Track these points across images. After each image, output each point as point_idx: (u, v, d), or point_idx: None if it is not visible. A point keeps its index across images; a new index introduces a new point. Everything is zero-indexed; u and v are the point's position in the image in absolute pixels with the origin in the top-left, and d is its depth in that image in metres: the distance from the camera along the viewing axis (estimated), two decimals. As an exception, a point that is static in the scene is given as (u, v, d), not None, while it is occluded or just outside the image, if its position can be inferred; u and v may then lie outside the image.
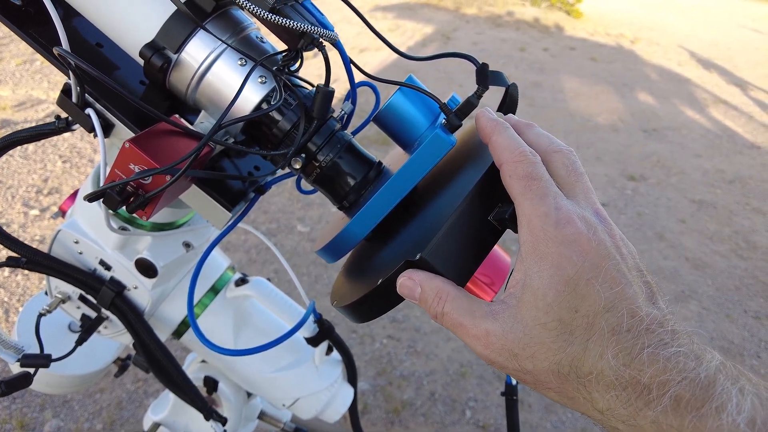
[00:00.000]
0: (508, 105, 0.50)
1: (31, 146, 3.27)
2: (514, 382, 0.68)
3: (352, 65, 0.53)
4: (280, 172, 0.64)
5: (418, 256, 0.36)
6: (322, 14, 0.50)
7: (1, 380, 0.67)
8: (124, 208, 0.46)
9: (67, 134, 3.47)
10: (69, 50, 0.46)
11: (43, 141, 3.36)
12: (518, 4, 9.43)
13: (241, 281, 0.73)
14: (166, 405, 0.84)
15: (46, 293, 0.84)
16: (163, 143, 0.47)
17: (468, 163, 0.47)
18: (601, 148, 4.35)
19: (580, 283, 0.32)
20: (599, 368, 0.31)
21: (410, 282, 0.38)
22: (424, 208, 0.48)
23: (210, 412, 0.67)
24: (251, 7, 0.43)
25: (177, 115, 0.51)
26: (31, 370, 0.70)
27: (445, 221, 0.37)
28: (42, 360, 0.67)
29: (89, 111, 0.52)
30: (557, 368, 0.32)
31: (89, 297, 0.70)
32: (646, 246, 3.13)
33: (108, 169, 0.52)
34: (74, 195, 0.72)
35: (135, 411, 1.84)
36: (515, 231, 0.37)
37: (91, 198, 0.44)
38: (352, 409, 0.88)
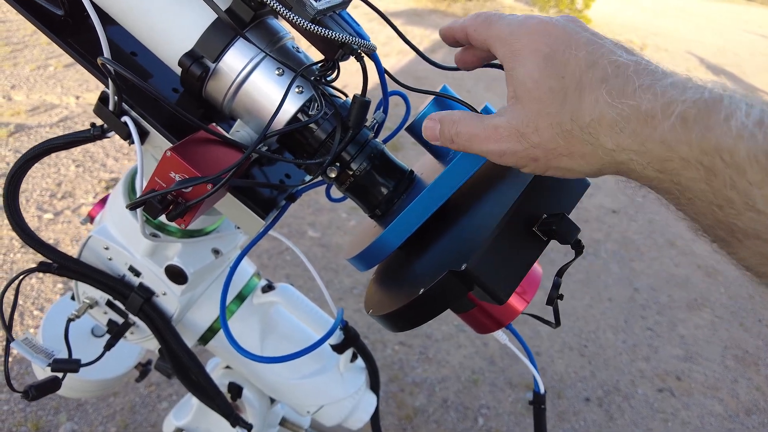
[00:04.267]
0: None
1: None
2: (542, 390, 0.68)
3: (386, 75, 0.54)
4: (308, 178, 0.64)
5: (463, 267, 0.36)
6: (358, 24, 0.51)
7: (31, 385, 0.68)
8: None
9: (79, 139, 3.51)
10: (111, 60, 0.47)
11: (56, 145, 3.39)
12: (526, 9, 9.45)
13: (268, 288, 0.73)
14: (188, 410, 0.85)
15: (72, 298, 0.84)
16: (203, 152, 0.47)
17: (504, 174, 0.47)
18: (610, 155, 4.34)
19: (556, 54, 0.35)
20: (598, 112, 0.33)
21: (431, 122, 0.42)
22: (459, 217, 0.48)
23: (236, 419, 0.67)
24: (293, 17, 0.43)
25: (214, 124, 0.51)
26: (60, 375, 0.70)
27: (490, 232, 0.37)
28: (72, 365, 0.68)
29: (126, 119, 0.53)
30: (560, 128, 0.35)
31: (117, 303, 0.70)
32: (657, 253, 3.11)
33: (143, 176, 0.52)
34: (103, 201, 0.73)
35: (148, 415, 1.85)
36: (561, 242, 0.37)
37: (133, 206, 0.45)
38: (374, 417, 0.87)
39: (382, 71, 0.52)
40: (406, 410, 1.95)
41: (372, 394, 0.79)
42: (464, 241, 0.41)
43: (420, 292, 0.40)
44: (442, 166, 0.51)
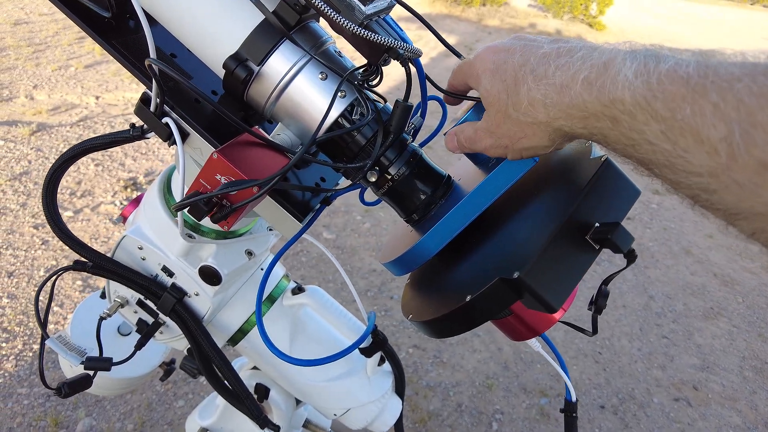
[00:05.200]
0: None
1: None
2: (573, 398, 0.67)
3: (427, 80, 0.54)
4: (344, 182, 0.65)
5: (515, 275, 0.36)
6: (401, 29, 0.51)
7: (64, 382, 0.69)
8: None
9: (98, 138, 3.55)
10: (159, 60, 0.48)
11: (75, 144, 3.44)
12: (540, 16, 9.42)
13: (298, 290, 0.74)
14: (214, 410, 0.85)
15: (102, 296, 0.85)
16: (247, 154, 0.48)
17: (551, 182, 0.47)
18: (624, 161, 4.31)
19: (499, 66, 0.45)
20: (530, 97, 0.42)
21: (450, 136, 0.52)
22: (501, 224, 0.48)
23: (265, 421, 0.68)
24: (342, 21, 0.43)
25: (257, 127, 0.52)
26: (91, 372, 0.71)
27: (541, 240, 0.37)
28: (104, 363, 0.68)
29: (167, 120, 0.54)
30: (510, 118, 0.44)
31: (148, 302, 0.71)
32: (672, 261, 3.08)
33: (184, 178, 0.53)
34: (136, 201, 0.74)
35: (164, 413, 1.86)
36: (615, 251, 0.37)
37: (179, 208, 0.45)
38: (398, 422, 0.88)
39: (423, 76, 0.52)
40: (421, 414, 1.95)
41: (397, 399, 0.79)
42: (511, 248, 0.41)
43: (467, 299, 0.40)
44: (482, 172, 0.51)
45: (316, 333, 0.75)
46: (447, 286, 0.48)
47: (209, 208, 0.45)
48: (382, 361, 0.77)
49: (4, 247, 2.53)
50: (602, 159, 0.44)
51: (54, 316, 2.19)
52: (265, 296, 0.73)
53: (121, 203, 2.92)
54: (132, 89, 4.30)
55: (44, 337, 0.68)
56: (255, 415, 0.68)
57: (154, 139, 3.62)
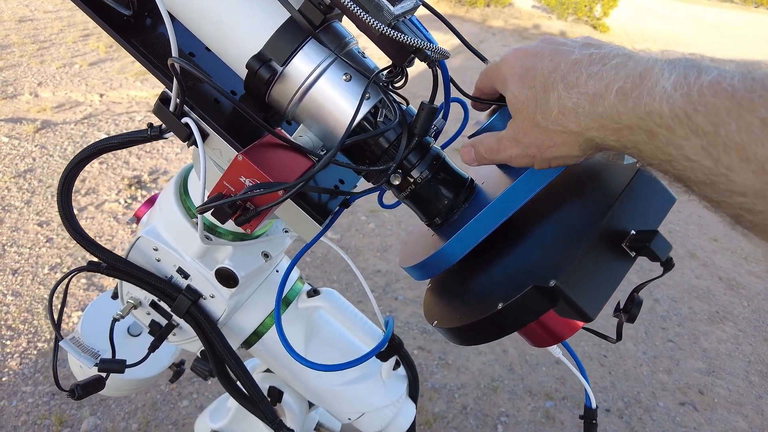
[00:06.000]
0: None
1: (70, 147, 3.34)
2: (593, 405, 0.67)
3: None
4: (362, 183, 0.64)
5: (552, 283, 0.36)
6: (426, 30, 0.50)
7: (77, 384, 0.68)
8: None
9: (103, 136, 3.54)
10: (182, 59, 0.47)
11: (81, 142, 3.43)
12: (544, 17, 9.41)
13: (313, 292, 0.73)
14: (225, 413, 0.84)
15: (113, 296, 0.84)
16: (271, 156, 0.47)
17: (581, 188, 0.46)
18: (630, 163, 4.29)
19: (527, 71, 0.43)
20: (561, 105, 0.40)
21: (466, 148, 0.50)
22: (529, 230, 0.47)
23: (280, 425, 0.67)
24: (371, 21, 0.42)
25: (280, 128, 0.51)
26: (104, 374, 0.71)
27: (577, 247, 0.36)
28: (118, 365, 0.68)
29: (188, 120, 0.53)
30: (538, 127, 0.42)
31: (161, 304, 0.70)
32: (677, 264, 3.07)
33: (205, 179, 0.52)
34: (150, 201, 0.73)
35: (169, 413, 1.86)
36: (652, 259, 0.36)
37: (203, 210, 0.45)
38: (411, 427, 0.87)
39: (448, 79, 0.51)
40: (426, 416, 1.94)
41: (411, 403, 0.79)
42: (543, 255, 0.40)
43: (498, 307, 0.39)
44: (507, 176, 0.50)
45: (330, 336, 0.74)
46: (474, 292, 0.47)
47: (233, 211, 0.45)
48: (396, 366, 0.76)
49: (9, 244, 2.53)
50: (637, 165, 0.43)
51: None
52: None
53: (126, 201, 2.91)
54: (136, 87, 4.30)
55: (58, 338, 0.67)
56: (270, 419, 0.67)
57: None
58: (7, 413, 1.79)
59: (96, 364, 0.67)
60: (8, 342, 2.05)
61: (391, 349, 0.72)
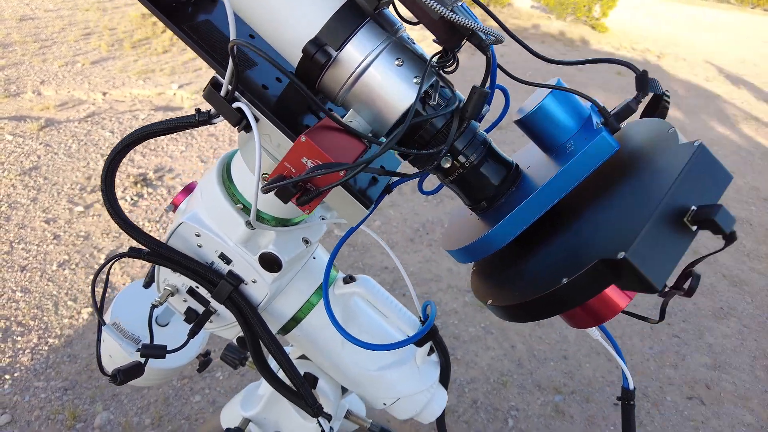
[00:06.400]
0: (661, 111, 0.51)
1: (74, 145, 3.34)
2: (631, 386, 0.68)
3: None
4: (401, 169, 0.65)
5: (620, 255, 0.37)
6: (475, 16, 0.51)
7: (119, 369, 0.69)
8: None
9: (107, 134, 3.54)
10: (244, 39, 0.48)
11: (85, 140, 3.42)
12: (544, 17, 9.43)
13: (349, 279, 0.74)
14: (257, 401, 0.85)
15: (144, 285, 0.85)
16: (330, 139, 0.48)
17: (634, 168, 0.47)
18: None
19: None
20: None
21: None
22: (582, 209, 0.49)
23: (320, 409, 0.68)
24: (433, 4, 0.43)
25: (334, 112, 0.52)
26: (142, 360, 0.71)
27: (641, 222, 0.38)
28: (158, 350, 0.68)
29: (240, 104, 0.54)
30: None
31: (199, 291, 0.71)
32: (680, 261, 3.10)
33: (258, 161, 0.53)
34: (187, 189, 0.74)
35: (181, 407, 1.86)
36: (715, 232, 0.37)
37: (267, 190, 0.46)
38: (440, 415, 0.88)
39: (495, 64, 0.53)
40: None
41: (443, 390, 0.80)
42: (604, 231, 0.41)
43: (563, 282, 0.40)
44: (553, 162, 0.51)
45: (366, 323, 0.76)
46: (531, 271, 0.48)
47: (297, 191, 0.46)
48: (430, 352, 0.77)
49: (16, 241, 2.52)
50: (695, 144, 0.44)
51: (68, 311, 2.19)
52: (316, 287, 0.73)
53: (132, 199, 2.91)
54: (138, 86, 4.29)
55: (101, 323, 0.68)
56: (310, 404, 0.68)
57: (165, 136, 3.61)
58: (20, 408, 1.79)
59: (138, 350, 0.67)
60: (19, 338, 2.05)
61: (426, 334, 0.73)
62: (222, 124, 3.88)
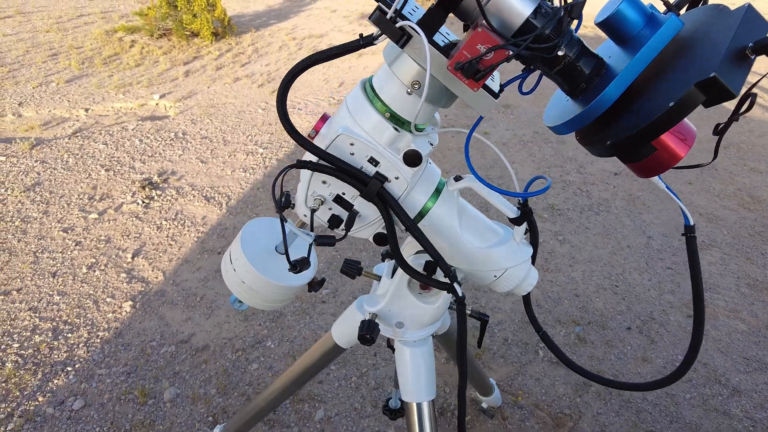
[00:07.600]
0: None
1: (70, 159, 3.37)
2: (691, 222, 0.86)
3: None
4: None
5: (712, 74, 0.54)
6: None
7: (295, 260, 0.82)
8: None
9: (101, 146, 3.57)
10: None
11: (80, 154, 3.45)
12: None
13: (459, 177, 0.90)
14: (380, 298, 1.01)
15: (279, 210, 0.98)
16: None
17: (699, 33, 0.66)
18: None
19: None
20: None
21: None
22: (660, 71, 0.66)
23: (455, 276, 0.84)
24: None
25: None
26: (307, 255, 0.86)
27: (718, 54, 0.55)
28: (330, 239, 0.83)
29: (403, 23, 0.69)
30: None
31: (344, 197, 0.85)
32: (661, 206, 3.38)
33: (428, 64, 0.69)
34: (323, 119, 0.88)
35: (242, 376, 1.98)
36: None
37: (459, 67, 0.62)
38: (527, 300, 1.06)
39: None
40: (473, 350, 2.13)
41: (534, 269, 0.97)
42: (689, 69, 0.59)
43: (670, 105, 0.57)
44: (630, 49, 0.69)
45: (472, 213, 0.93)
46: (638, 108, 0.65)
47: (476, 70, 0.62)
48: (526, 232, 0.94)
49: (39, 251, 2.57)
50: (744, 6, 0.63)
51: (109, 306, 2.26)
52: (432, 190, 0.89)
53: (143, 201, 2.98)
54: (119, 99, 4.31)
55: (282, 219, 0.81)
56: (447, 272, 0.84)
57: (160, 143, 3.68)
58: (90, 393, 1.87)
59: (314, 239, 0.82)
60: (69, 335, 2.11)
61: (523, 215, 0.90)
62: (213, 131, 3.95)
